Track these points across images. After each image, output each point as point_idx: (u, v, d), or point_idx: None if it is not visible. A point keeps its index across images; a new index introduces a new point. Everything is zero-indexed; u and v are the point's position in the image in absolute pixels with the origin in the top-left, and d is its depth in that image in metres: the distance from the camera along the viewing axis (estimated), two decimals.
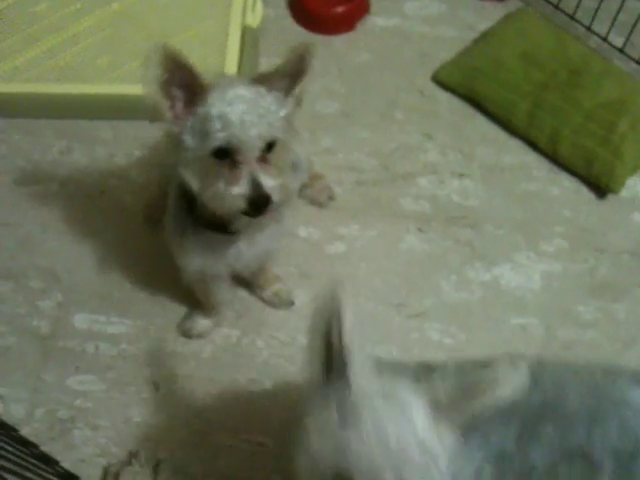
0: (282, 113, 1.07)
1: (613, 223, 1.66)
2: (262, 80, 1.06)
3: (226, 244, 1.20)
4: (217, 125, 1.00)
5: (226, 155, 1.03)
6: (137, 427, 1.38)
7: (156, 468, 1.31)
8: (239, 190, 1.04)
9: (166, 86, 1.02)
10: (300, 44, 1.06)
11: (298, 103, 1.11)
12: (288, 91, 1.09)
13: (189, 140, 1.04)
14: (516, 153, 1.77)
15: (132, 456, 1.32)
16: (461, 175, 1.73)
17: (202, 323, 1.46)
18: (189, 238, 1.19)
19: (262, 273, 1.47)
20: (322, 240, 1.62)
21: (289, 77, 1.08)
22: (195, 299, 1.44)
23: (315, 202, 1.67)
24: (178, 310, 1.51)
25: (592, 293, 1.56)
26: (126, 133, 1.75)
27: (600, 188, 1.70)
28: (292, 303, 1.51)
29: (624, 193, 1.69)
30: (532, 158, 1.76)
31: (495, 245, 1.61)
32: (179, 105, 1.05)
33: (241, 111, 1.01)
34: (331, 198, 1.68)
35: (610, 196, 1.69)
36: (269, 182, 1.05)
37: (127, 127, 1.75)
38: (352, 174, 1.72)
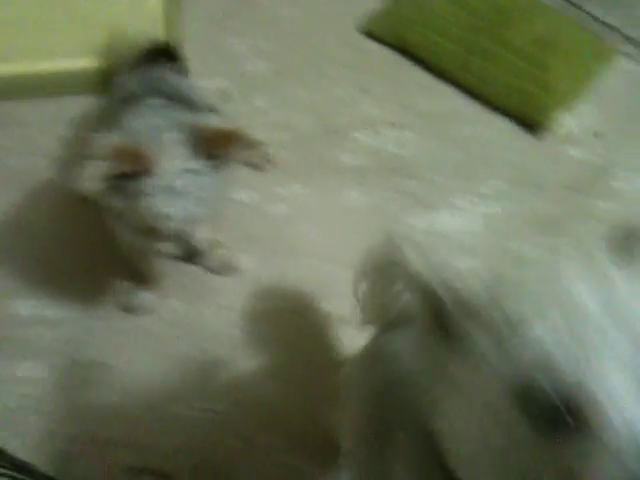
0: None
1: (549, 160, 1.68)
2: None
3: None
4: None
5: None
6: (89, 409, 1.36)
7: None
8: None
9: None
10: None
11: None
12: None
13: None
14: (450, 99, 1.77)
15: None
16: (396, 125, 1.72)
17: (145, 297, 1.43)
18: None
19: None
20: (263, 202, 1.60)
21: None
22: (136, 273, 1.41)
23: (252, 165, 1.64)
24: (119, 288, 1.48)
25: (534, 230, 1.58)
26: (49, 110, 1.68)
27: (534, 126, 1.71)
28: (237, 269, 1.50)
29: (557, 129, 1.71)
30: (466, 102, 1.76)
31: (435, 192, 1.62)
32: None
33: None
34: (268, 160, 1.65)
35: (544, 133, 1.71)
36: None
37: (49, 104, 1.68)
38: (288, 132, 1.70)
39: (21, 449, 1.27)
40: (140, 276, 1.42)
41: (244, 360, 1.38)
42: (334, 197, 1.62)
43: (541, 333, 0.49)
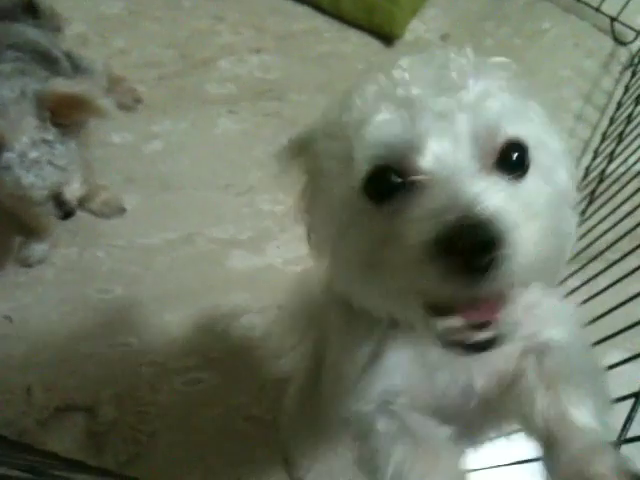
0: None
1: None
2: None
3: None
4: None
5: None
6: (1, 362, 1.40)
7: None
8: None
9: None
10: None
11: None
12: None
13: None
14: (305, 19, 1.84)
15: None
16: (258, 50, 1.78)
17: (38, 248, 1.46)
18: None
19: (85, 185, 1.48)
20: (138, 142, 1.63)
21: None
22: (24, 226, 1.43)
23: (122, 106, 1.66)
24: (10, 242, 1.50)
25: None
26: None
27: (387, 37, 1.81)
28: (123, 209, 1.54)
29: (408, 37, 1.82)
30: (320, 21, 1.84)
31: (301, 110, 1.70)
32: None
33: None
34: (137, 100, 1.67)
35: (396, 42, 1.82)
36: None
37: None
38: (152, 70, 1.72)
39: None
40: (29, 229, 1.44)
41: (144, 293, 1.45)
42: (207, 128, 1.67)
43: (378, 121, 0.52)
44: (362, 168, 0.53)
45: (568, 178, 0.59)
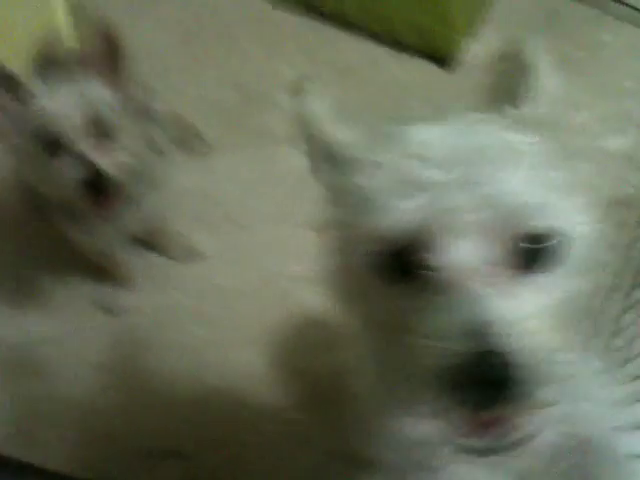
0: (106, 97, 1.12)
1: (463, 90, 1.78)
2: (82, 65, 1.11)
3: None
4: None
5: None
6: (89, 406, 1.40)
7: None
8: (71, 173, 1.06)
9: None
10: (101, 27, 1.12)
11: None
12: (109, 75, 1.14)
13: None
14: (361, 48, 1.84)
15: None
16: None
17: (120, 295, 1.47)
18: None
19: (160, 233, 1.49)
20: (206, 183, 1.64)
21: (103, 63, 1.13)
22: (103, 271, 1.45)
23: (185, 147, 1.67)
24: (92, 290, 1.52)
25: None
26: None
27: (442, 60, 1.80)
28: (201, 253, 1.54)
29: (464, 58, 1.80)
30: (376, 49, 1.84)
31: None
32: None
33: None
34: (198, 136, 1.67)
35: (453, 64, 1.80)
36: (104, 160, 1.08)
37: None
38: (212, 107, 1.74)
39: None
40: (108, 273, 1.46)
41: (226, 334, 1.45)
42: (272, 164, 1.67)
43: (397, 207, 0.51)
44: (373, 247, 0.52)
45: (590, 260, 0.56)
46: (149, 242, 1.51)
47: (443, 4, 1.77)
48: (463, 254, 0.50)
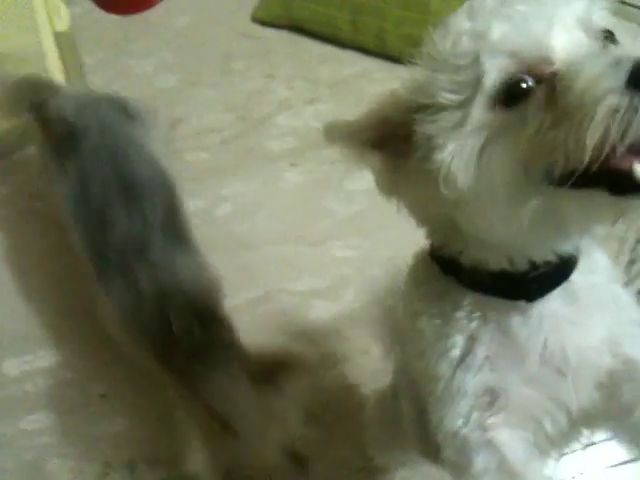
0: None
1: None
2: None
3: None
4: None
5: None
6: (98, 440, 1.42)
7: None
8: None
9: None
10: None
11: None
12: None
13: None
14: (354, 63, 1.86)
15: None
16: (312, 101, 1.81)
17: None
18: None
19: None
20: (209, 207, 1.66)
21: None
22: None
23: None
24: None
25: None
26: None
27: None
28: None
29: None
30: (369, 63, 1.85)
31: None
32: None
33: None
34: None
35: None
36: None
37: None
38: (214, 135, 1.77)
39: None
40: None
41: None
42: (274, 184, 1.69)
43: (500, 31, 0.53)
44: (493, 78, 0.52)
45: None
46: None
47: (434, 14, 1.79)
48: (578, 42, 0.53)
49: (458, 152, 0.54)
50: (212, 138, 1.76)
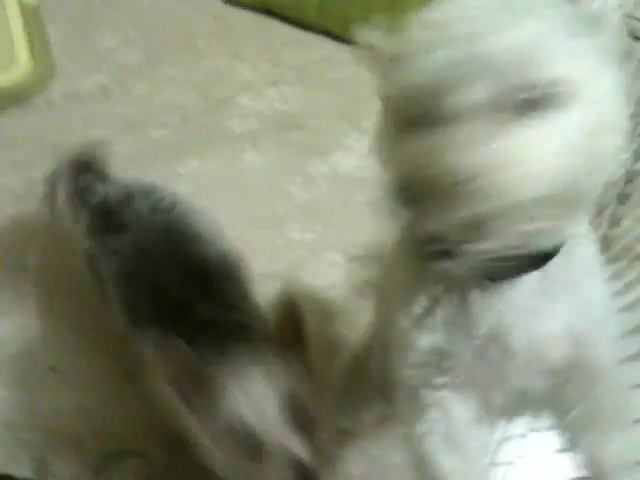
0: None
1: None
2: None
3: None
4: None
5: None
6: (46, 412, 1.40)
7: None
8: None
9: None
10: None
11: None
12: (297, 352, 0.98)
13: None
14: (318, 47, 1.86)
15: None
16: (276, 83, 1.80)
17: None
18: None
19: None
20: (165, 184, 1.64)
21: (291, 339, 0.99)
22: None
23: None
24: None
25: None
26: None
27: None
28: None
29: None
30: (333, 47, 1.85)
31: (323, 136, 1.71)
32: None
33: None
34: None
35: None
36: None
37: None
38: (174, 113, 1.75)
39: None
40: None
41: None
42: (233, 164, 1.68)
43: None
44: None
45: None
46: None
47: (403, 3, 1.79)
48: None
49: None
50: (172, 116, 1.74)
